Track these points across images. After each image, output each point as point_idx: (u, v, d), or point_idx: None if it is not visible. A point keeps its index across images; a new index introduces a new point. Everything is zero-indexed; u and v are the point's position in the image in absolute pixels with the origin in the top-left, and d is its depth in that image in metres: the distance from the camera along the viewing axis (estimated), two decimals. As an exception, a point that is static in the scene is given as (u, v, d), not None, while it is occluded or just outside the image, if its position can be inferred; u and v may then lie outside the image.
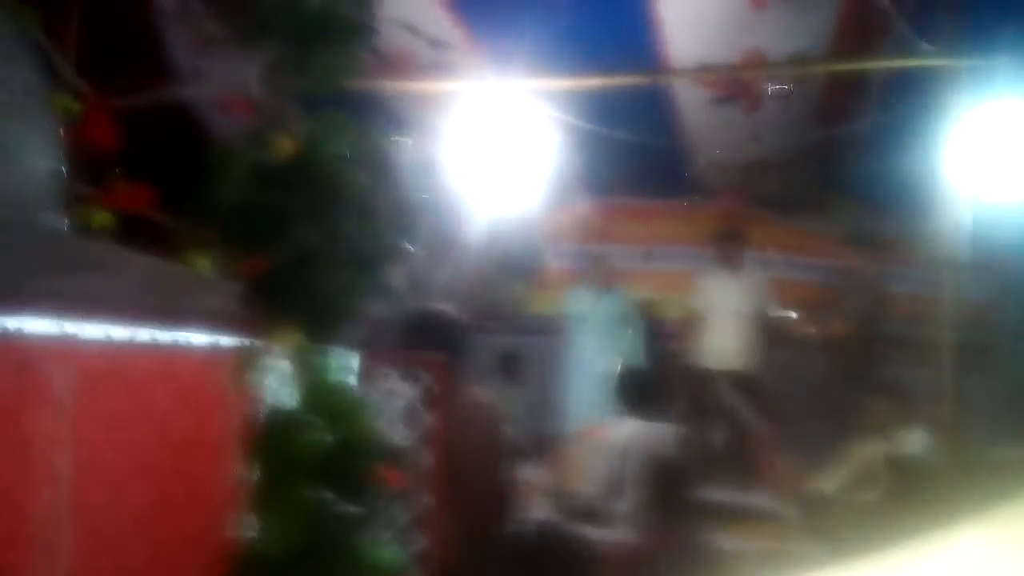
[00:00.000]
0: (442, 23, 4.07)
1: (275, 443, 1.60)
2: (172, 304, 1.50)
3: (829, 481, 4.44)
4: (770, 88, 4.80)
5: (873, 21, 3.71)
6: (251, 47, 1.83)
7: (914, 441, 4.13)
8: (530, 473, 4.67)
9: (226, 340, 1.61)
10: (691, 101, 5.00)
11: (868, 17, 3.81)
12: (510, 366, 6.15)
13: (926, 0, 3.40)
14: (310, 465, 1.61)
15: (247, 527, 1.57)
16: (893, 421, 4.21)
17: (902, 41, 3.42)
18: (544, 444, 5.73)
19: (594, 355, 5.90)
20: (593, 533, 3.32)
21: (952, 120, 3.28)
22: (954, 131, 3.27)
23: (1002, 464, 3.54)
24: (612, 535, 3.69)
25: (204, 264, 1.84)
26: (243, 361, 1.62)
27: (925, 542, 0.38)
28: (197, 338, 1.55)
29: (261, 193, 1.75)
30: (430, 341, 2.40)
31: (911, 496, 3.39)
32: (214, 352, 1.58)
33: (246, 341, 1.64)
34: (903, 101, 3.89)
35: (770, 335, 5.70)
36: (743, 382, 5.57)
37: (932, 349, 3.27)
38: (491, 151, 3.68)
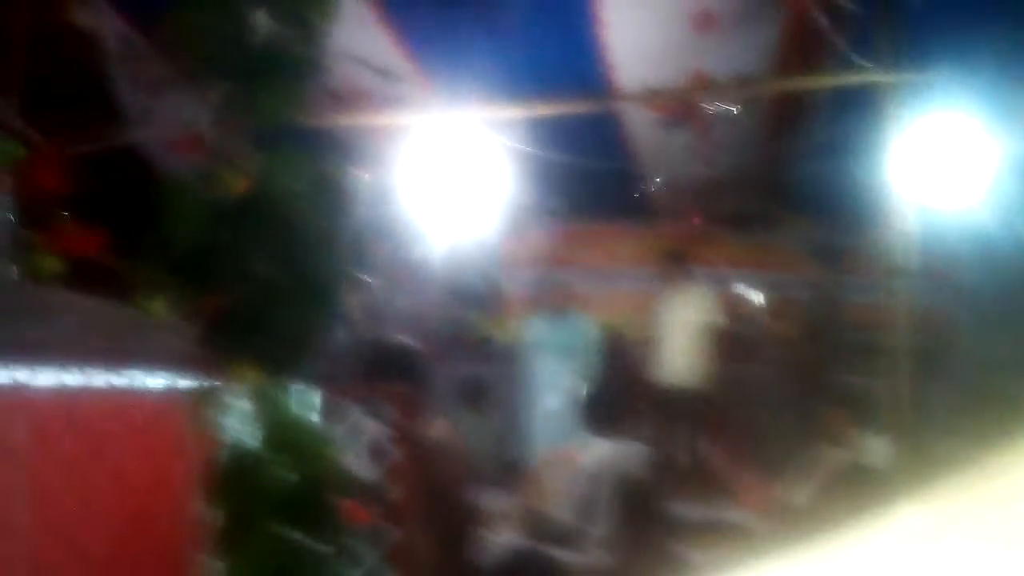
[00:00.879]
0: (392, 55, 4.08)
1: (239, 483, 1.57)
2: (126, 347, 1.48)
3: (794, 491, 4.47)
4: (717, 109, 4.88)
5: (813, 41, 3.80)
6: (199, 86, 1.82)
7: (873, 448, 4.18)
8: (500, 500, 4.64)
9: (184, 381, 1.58)
10: (641, 125, 5.06)
11: (808, 37, 3.90)
12: (474, 394, 6.12)
13: (864, 19, 3.49)
14: (276, 504, 1.58)
15: (214, 571, 1.53)
16: (853, 429, 4.27)
17: (842, 59, 3.50)
18: (512, 470, 5.71)
19: (556, 379, 5.90)
20: (567, 557, 3.30)
21: (896, 134, 3.36)
22: (898, 144, 3.35)
23: (957, 462, 3.61)
24: (586, 558, 3.67)
25: (158, 306, 1.81)
26: (202, 401, 1.59)
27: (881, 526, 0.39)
28: (153, 381, 1.52)
29: (214, 231, 1.72)
30: (391, 373, 2.39)
31: (872, 502, 3.43)
32: (172, 394, 1.55)
33: (204, 381, 1.61)
34: (848, 117, 3.98)
35: (726, 349, 5.76)
36: (702, 398, 5.62)
37: (887, 356, 3.32)
38: (445, 181, 3.69)
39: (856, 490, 3.60)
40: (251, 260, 1.73)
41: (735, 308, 6.14)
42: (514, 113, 3.87)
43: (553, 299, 6.19)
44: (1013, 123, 3.77)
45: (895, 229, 3.35)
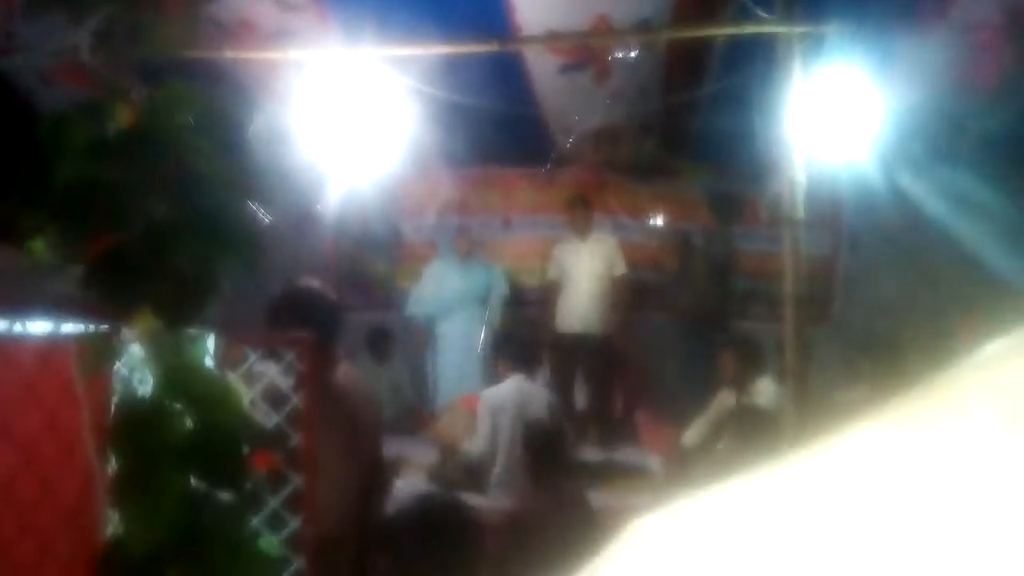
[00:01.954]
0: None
1: (134, 433, 1.50)
2: (6, 292, 1.38)
3: (689, 434, 4.64)
4: (618, 55, 4.89)
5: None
6: (77, 11, 1.68)
7: (763, 391, 4.38)
8: (406, 447, 4.65)
9: (71, 327, 1.49)
10: (542, 69, 5.03)
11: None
12: (378, 342, 6.06)
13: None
14: (173, 454, 1.51)
15: (109, 524, 1.46)
16: (745, 373, 4.45)
17: (741, 9, 3.54)
18: (418, 417, 5.72)
19: (460, 327, 5.91)
20: (472, 500, 3.33)
21: (789, 85, 3.43)
22: (792, 95, 3.43)
23: (843, 405, 3.82)
24: (491, 501, 3.72)
25: (40, 248, 1.69)
26: (91, 348, 1.50)
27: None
28: (37, 327, 1.42)
29: (99, 167, 1.61)
30: (298, 319, 2.31)
31: (763, 442, 3.59)
32: (58, 341, 1.46)
33: (93, 327, 1.52)
34: (744, 67, 4.06)
35: (625, 296, 5.89)
36: (602, 343, 5.74)
37: (778, 303, 3.44)
38: (344, 120, 3.57)
39: (751, 430, 3.76)
40: (140, 198, 1.63)
41: (634, 255, 6.26)
42: (414, 52, 3.77)
43: (456, 245, 6.16)
44: (898, 76, 3.93)
45: (787, 179, 3.44)
